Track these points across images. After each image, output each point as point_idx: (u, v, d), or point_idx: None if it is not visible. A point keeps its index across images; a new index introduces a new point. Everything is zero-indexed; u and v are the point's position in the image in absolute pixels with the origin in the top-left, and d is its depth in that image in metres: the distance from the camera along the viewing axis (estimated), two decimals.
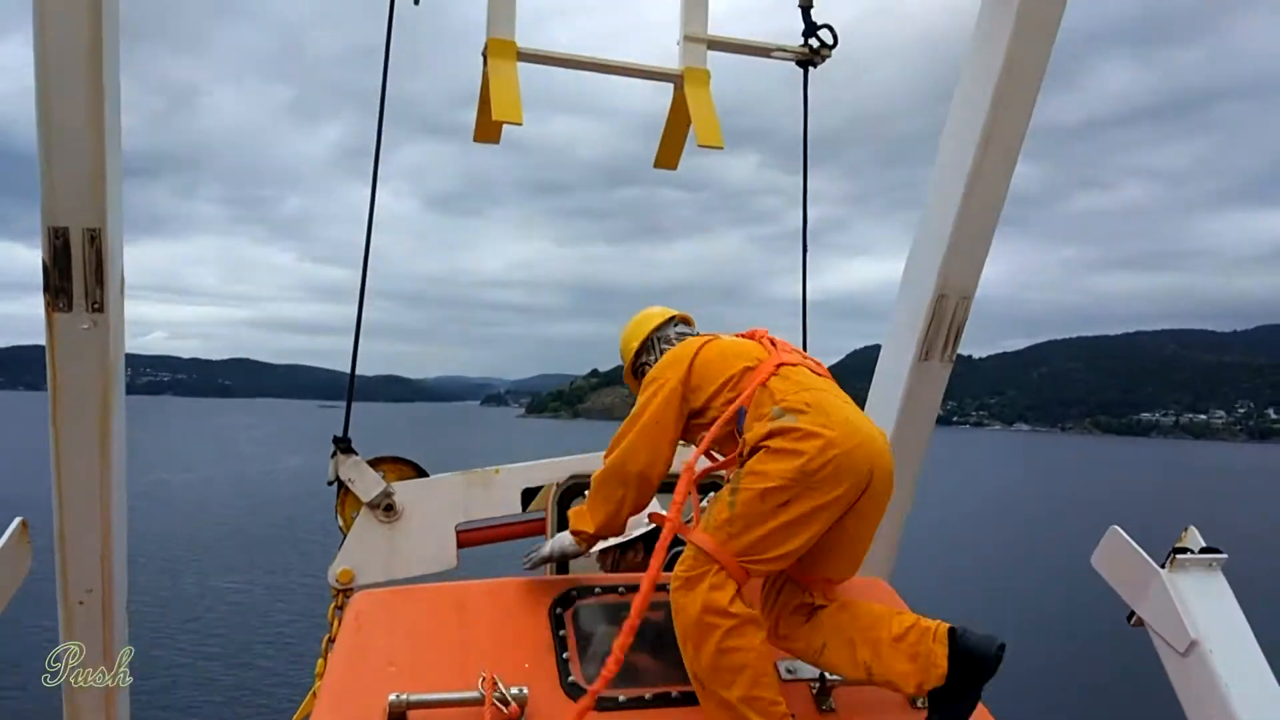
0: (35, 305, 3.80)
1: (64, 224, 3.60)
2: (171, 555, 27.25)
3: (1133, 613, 3.61)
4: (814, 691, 3.13)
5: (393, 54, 4.48)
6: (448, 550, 4.72)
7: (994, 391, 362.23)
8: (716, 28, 4.91)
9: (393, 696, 2.74)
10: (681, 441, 3.33)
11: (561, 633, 3.16)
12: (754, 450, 2.98)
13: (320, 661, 4.30)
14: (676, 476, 3.11)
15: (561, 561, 3.67)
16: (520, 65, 4.53)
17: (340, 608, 4.47)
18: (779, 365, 3.18)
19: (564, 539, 3.36)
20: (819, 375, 3.28)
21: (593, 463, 4.19)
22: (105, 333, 3.80)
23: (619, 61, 4.85)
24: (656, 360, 3.57)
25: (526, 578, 3.38)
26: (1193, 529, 3.65)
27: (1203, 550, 3.57)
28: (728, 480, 3.07)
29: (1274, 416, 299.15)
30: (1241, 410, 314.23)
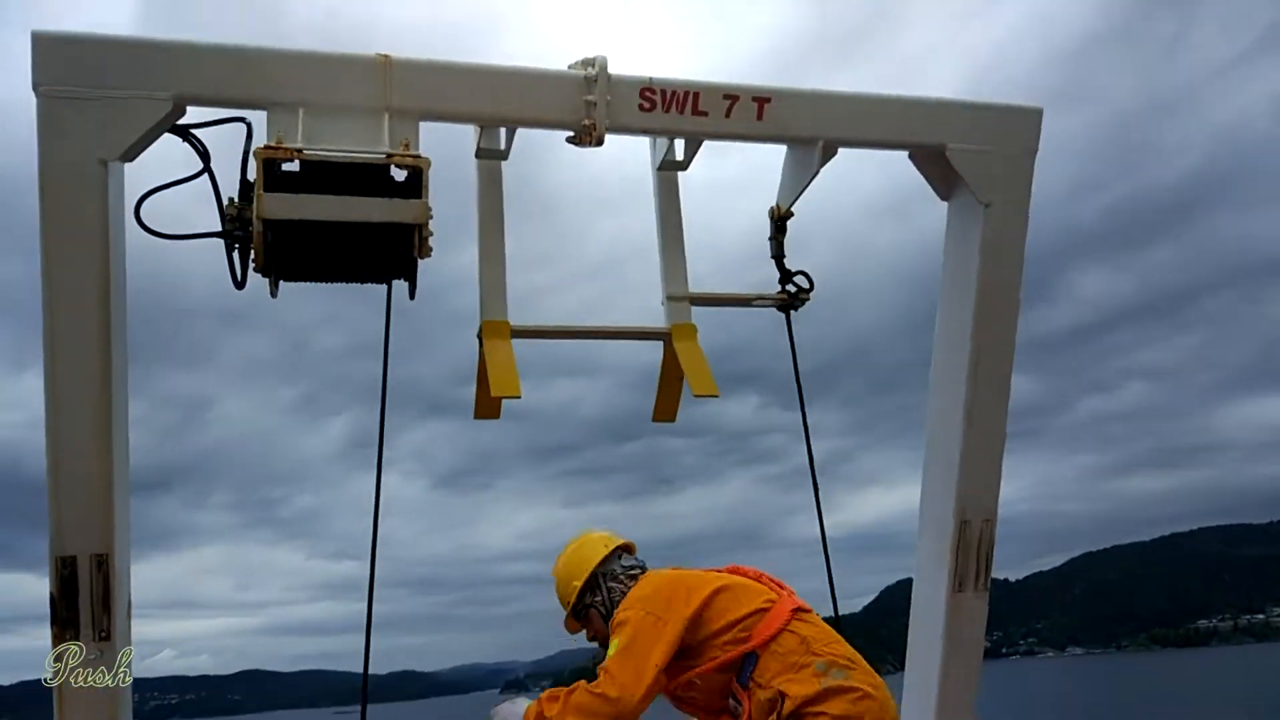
0: (41, 638, 3.73)
1: (71, 553, 3.59)
2: None
3: None
4: None
5: (394, 342, 4.65)
6: None
7: (1038, 615, 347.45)
8: (698, 282, 5.11)
9: None
10: None
11: None
12: (799, 714, 2.79)
13: None
14: None
15: None
16: (519, 340, 4.65)
17: None
18: (796, 610, 3.03)
19: None
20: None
21: None
22: (112, 661, 3.69)
23: (608, 327, 5.04)
24: (605, 600, 3.37)
25: None
26: None
27: None
28: None
29: None
30: None
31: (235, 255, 3.84)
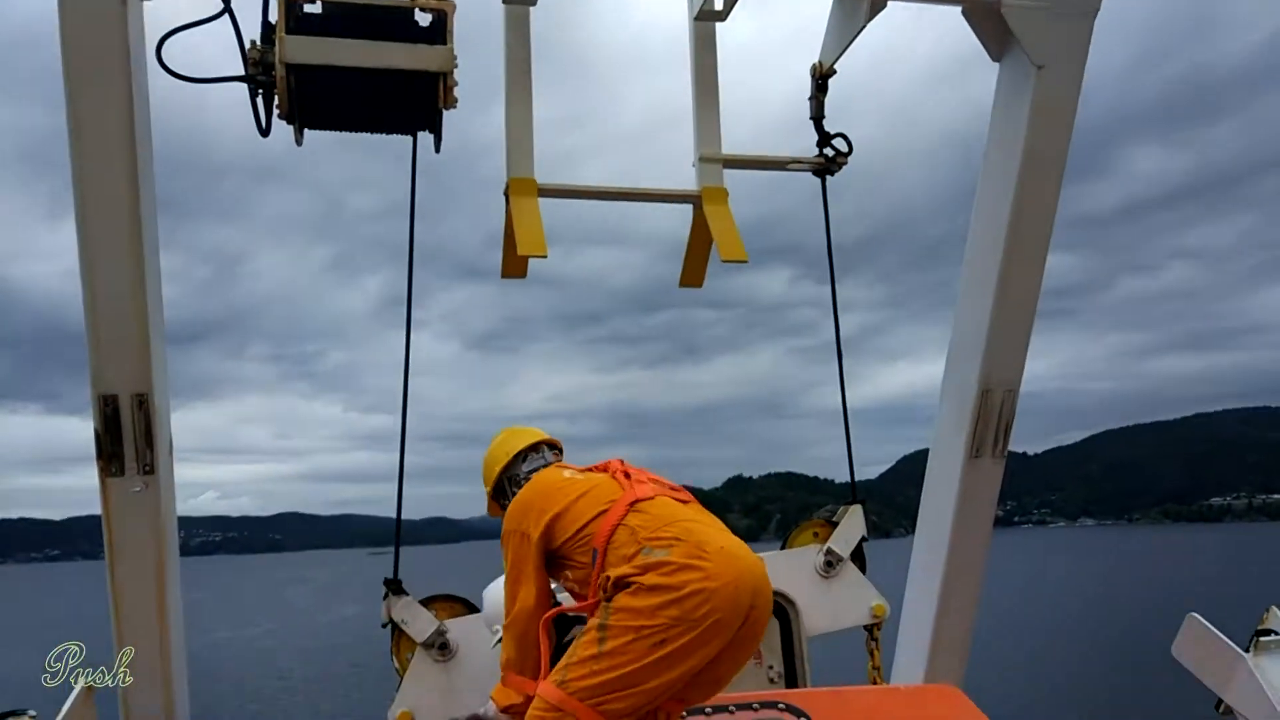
0: (89, 477, 3.89)
1: (113, 391, 3.74)
2: (236, 712, 26.87)
3: (1220, 701, 3.42)
4: None
5: (427, 202, 4.63)
6: None
7: (1053, 487, 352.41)
8: (735, 149, 4.98)
9: None
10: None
11: None
12: (621, 585, 2.90)
13: None
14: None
15: None
16: (547, 203, 4.61)
17: None
18: (633, 502, 3.13)
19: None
20: (683, 503, 3.23)
21: None
22: (156, 493, 3.89)
23: (637, 188, 4.96)
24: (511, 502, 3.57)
25: None
26: (1275, 609, 3.49)
27: None
28: (591, 616, 2.99)
29: None
30: None
31: (259, 102, 3.80)
